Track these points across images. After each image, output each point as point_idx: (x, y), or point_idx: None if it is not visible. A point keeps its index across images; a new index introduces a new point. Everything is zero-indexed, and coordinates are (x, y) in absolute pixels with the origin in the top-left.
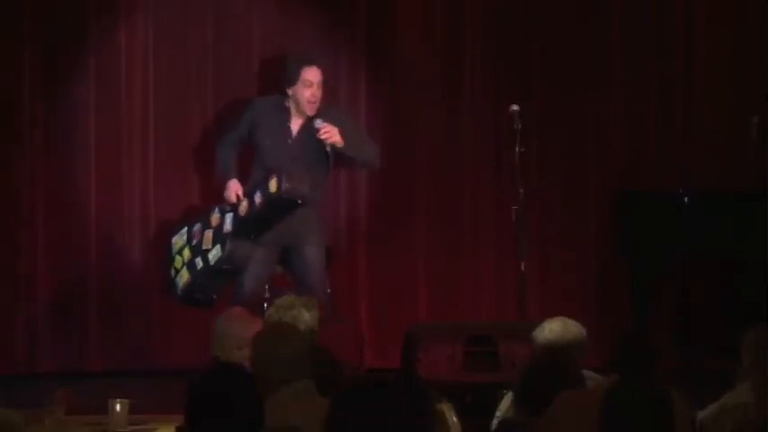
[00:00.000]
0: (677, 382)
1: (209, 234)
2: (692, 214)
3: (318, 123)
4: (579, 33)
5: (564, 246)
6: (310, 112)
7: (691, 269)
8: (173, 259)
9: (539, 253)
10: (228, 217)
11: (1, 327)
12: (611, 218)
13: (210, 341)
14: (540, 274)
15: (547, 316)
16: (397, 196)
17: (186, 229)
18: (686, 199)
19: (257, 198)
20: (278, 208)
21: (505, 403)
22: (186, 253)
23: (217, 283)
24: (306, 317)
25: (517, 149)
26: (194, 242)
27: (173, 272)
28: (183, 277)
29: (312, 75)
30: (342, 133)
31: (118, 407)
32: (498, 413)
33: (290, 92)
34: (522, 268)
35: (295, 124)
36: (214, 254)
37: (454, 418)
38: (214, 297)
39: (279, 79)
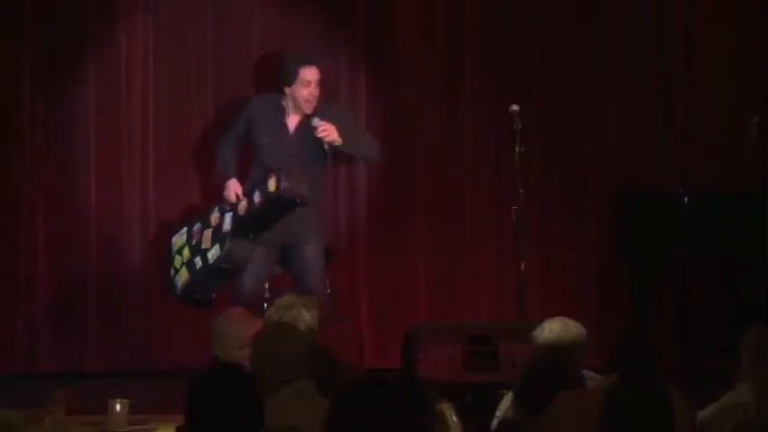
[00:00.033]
0: (677, 382)
1: (208, 233)
2: (692, 214)
3: (316, 122)
4: (579, 33)
5: (564, 246)
6: (308, 110)
7: (691, 269)
8: (172, 259)
9: (539, 253)
10: (228, 216)
11: (1, 327)
12: (611, 218)
13: (210, 341)
14: (540, 274)
15: (547, 316)
16: (397, 196)
17: (186, 228)
18: (686, 199)
19: (256, 197)
20: (277, 207)
21: (505, 403)
22: (186, 252)
23: (216, 283)
24: (306, 317)
25: (517, 149)
26: (194, 242)
27: (172, 271)
28: (183, 277)
29: (310, 74)
30: (340, 131)
31: (118, 407)
32: (498, 413)
33: (287, 91)
34: (522, 268)
35: (292, 121)
36: (213, 253)
37: (454, 418)
38: (213, 296)
39: (276, 78)
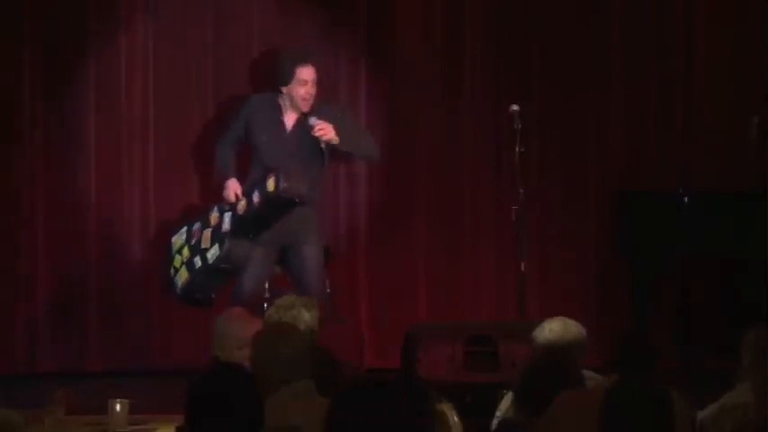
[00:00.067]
0: (677, 382)
1: (207, 233)
2: (692, 214)
3: (312, 121)
4: (579, 33)
5: (564, 246)
6: (305, 108)
7: (691, 269)
8: (172, 258)
9: (539, 253)
10: (227, 216)
11: (1, 327)
12: (611, 218)
13: (210, 341)
14: (540, 274)
15: (547, 316)
16: (397, 196)
17: (186, 228)
18: (686, 199)
19: (255, 197)
20: (276, 207)
21: (505, 403)
22: (185, 252)
23: (215, 283)
24: (306, 317)
25: (517, 149)
26: (193, 241)
27: (172, 271)
28: (182, 276)
29: (306, 74)
30: (337, 129)
31: (118, 407)
32: (498, 413)
33: (284, 90)
34: (522, 268)
35: (289, 119)
36: (213, 253)
37: (455, 418)
38: (213, 296)
39: (273, 77)
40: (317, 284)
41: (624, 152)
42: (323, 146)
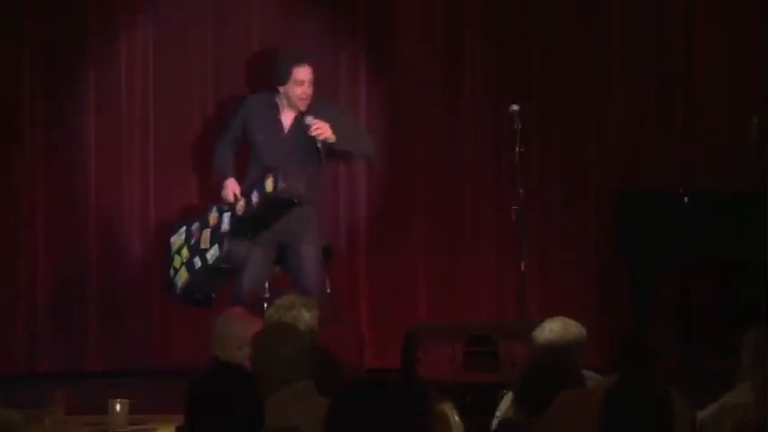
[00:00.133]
0: (677, 382)
1: (206, 233)
2: (692, 214)
3: (309, 120)
4: (579, 33)
5: (564, 246)
6: (302, 107)
7: (691, 269)
8: (171, 259)
9: (539, 253)
10: (226, 216)
11: (1, 327)
12: (611, 218)
13: (210, 341)
14: (540, 274)
15: (547, 316)
16: (397, 196)
17: (185, 228)
18: (686, 199)
19: (254, 197)
20: (275, 207)
21: (505, 403)
22: (185, 252)
23: (215, 283)
24: (306, 317)
25: (517, 149)
26: (192, 241)
27: (172, 271)
28: (182, 277)
29: (303, 74)
30: (333, 128)
31: (118, 407)
32: (498, 413)
33: (281, 90)
34: (522, 268)
35: (287, 119)
36: (212, 253)
37: (456, 418)
38: (213, 296)
39: (270, 77)
40: (316, 284)
41: (624, 152)
42: (319, 145)
